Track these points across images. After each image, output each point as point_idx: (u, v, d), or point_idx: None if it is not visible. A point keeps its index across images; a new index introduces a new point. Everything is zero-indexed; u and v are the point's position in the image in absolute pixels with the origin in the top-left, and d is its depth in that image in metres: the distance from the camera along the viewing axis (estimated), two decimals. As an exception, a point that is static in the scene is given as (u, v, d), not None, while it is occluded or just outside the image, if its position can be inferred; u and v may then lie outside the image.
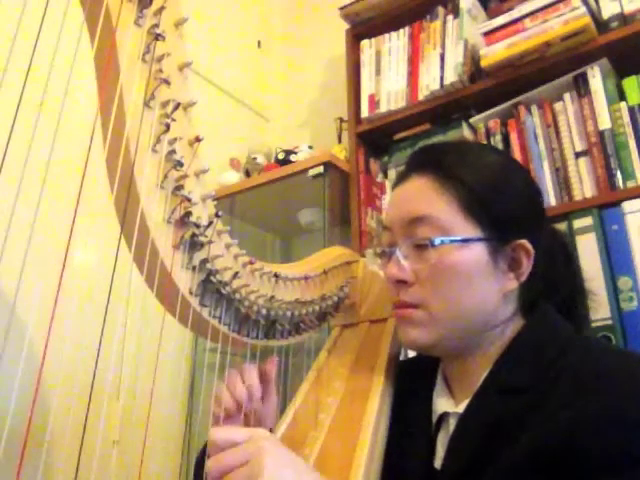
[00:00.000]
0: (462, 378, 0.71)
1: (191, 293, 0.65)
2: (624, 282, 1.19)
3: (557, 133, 1.41)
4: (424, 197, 0.69)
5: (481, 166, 0.71)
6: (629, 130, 1.31)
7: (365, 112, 1.71)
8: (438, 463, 0.67)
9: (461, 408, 0.67)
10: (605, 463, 0.52)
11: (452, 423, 0.68)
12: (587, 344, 0.65)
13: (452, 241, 0.66)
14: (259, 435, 0.54)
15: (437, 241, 0.66)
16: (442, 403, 0.71)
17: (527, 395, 0.60)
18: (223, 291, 0.68)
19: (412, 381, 0.78)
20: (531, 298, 0.70)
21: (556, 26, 1.38)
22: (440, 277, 0.67)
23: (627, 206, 1.23)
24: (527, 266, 0.68)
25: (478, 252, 0.66)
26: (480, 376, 0.67)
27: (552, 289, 0.72)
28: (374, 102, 1.71)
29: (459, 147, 0.79)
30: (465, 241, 0.66)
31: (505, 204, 0.68)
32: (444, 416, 0.70)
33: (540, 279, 0.70)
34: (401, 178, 0.75)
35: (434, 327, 0.68)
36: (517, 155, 1.44)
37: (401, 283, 0.69)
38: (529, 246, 0.68)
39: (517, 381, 0.63)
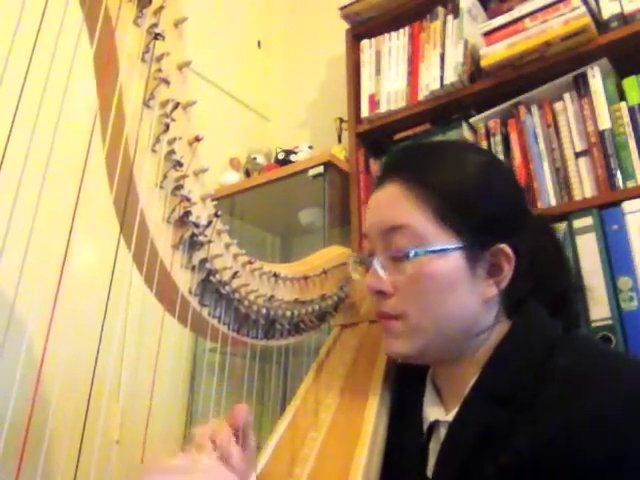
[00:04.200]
0: (450, 384, 0.70)
1: (190, 293, 0.65)
2: (624, 282, 1.19)
3: (557, 133, 1.41)
4: (398, 206, 0.68)
5: (455, 171, 0.69)
6: (629, 130, 1.31)
7: (365, 112, 1.71)
8: (430, 472, 0.66)
9: (451, 416, 0.66)
10: (594, 468, 0.52)
11: (443, 432, 0.67)
12: (575, 345, 0.64)
13: (427, 252, 0.65)
14: (200, 465, 0.53)
15: (412, 253, 0.65)
16: (432, 411, 0.70)
17: (515, 401, 0.59)
18: (222, 291, 0.68)
19: (406, 384, 0.78)
20: (516, 300, 0.69)
21: (556, 26, 1.38)
22: (417, 288, 0.66)
23: (627, 206, 1.23)
24: (508, 271, 0.67)
25: (455, 261, 0.65)
26: (468, 382, 0.66)
27: (542, 287, 0.70)
28: (374, 102, 1.71)
29: (434, 150, 0.76)
30: (441, 251, 0.65)
31: (481, 209, 0.67)
32: (435, 424, 0.69)
33: (526, 280, 0.68)
34: (378, 183, 0.73)
35: (415, 338, 0.67)
36: (517, 155, 1.44)
37: (380, 294, 0.69)
38: (509, 251, 0.66)
39: (504, 388, 0.62)
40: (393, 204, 0.69)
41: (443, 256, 0.65)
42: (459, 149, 0.79)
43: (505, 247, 0.66)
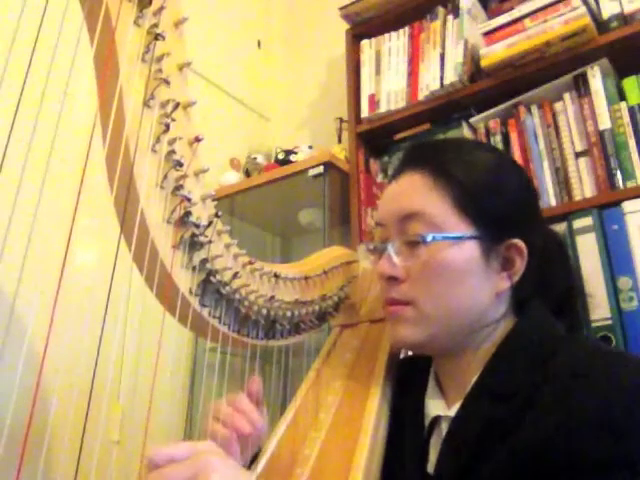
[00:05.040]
0: (453, 378, 0.70)
1: (191, 293, 0.65)
2: (624, 282, 1.19)
3: (557, 133, 1.41)
4: (417, 193, 0.68)
5: (476, 164, 0.70)
6: (629, 130, 1.31)
7: (365, 112, 1.71)
8: (431, 468, 0.66)
9: (453, 411, 0.66)
10: (594, 468, 0.52)
11: (444, 427, 0.67)
12: (577, 344, 0.64)
13: (444, 238, 0.65)
14: (205, 450, 0.51)
15: (429, 238, 0.65)
16: (434, 405, 0.70)
17: (517, 398, 0.60)
18: (223, 291, 0.68)
19: (407, 381, 0.78)
20: (523, 297, 0.70)
21: (556, 26, 1.38)
22: (431, 274, 0.66)
23: (627, 206, 1.23)
24: (520, 266, 0.68)
25: (470, 250, 0.66)
26: (471, 376, 0.66)
27: (546, 289, 0.71)
28: (374, 102, 1.71)
29: (454, 144, 0.78)
30: (457, 239, 0.65)
31: (499, 203, 0.68)
32: (436, 419, 0.69)
33: (534, 279, 0.69)
34: (395, 174, 0.74)
35: (424, 325, 0.67)
36: (517, 155, 1.44)
37: (392, 280, 0.69)
38: (522, 246, 0.67)
39: (507, 386, 0.62)
40: (412, 192, 0.69)
41: (459, 244, 0.65)
42: (478, 146, 0.82)
43: (519, 242, 0.67)
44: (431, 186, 0.68)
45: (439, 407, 0.70)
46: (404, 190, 0.71)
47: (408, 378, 0.78)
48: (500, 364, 0.65)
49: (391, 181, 0.74)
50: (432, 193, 0.67)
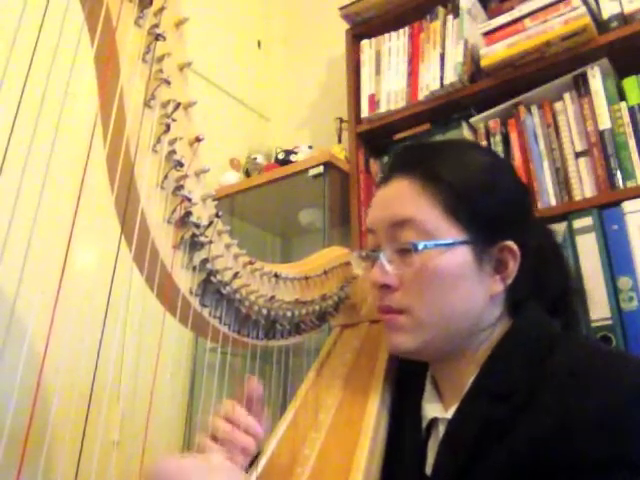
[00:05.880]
0: (450, 381, 0.70)
1: (191, 293, 0.65)
2: (624, 282, 1.19)
3: (557, 133, 1.41)
4: (407, 199, 0.68)
5: (465, 166, 0.70)
6: (629, 130, 1.31)
7: (365, 112, 1.71)
8: (429, 470, 0.66)
9: (450, 414, 0.66)
10: (593, 468, 0.52)
11: (441, 429, 0.67)
12: (574, 343, 0.64)
13: (436, 245, 0.65)
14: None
15: (420, 246, 0.65)
16: (431, 408, 0.70)
17: (514, 398, 0.60)
18: (223, 291, 0.68)
19: (405, 382, 0.78)
20: (519, 299, 0.69)
21: (556, 26, 1.38)
22: (424, 282, 0.66)
23: (627, 206, 1.23)
24: (513, 268, 0.67)
25: (463, 255, 0.65)
26: (468, 379, 0.66)
27: (542, 289, 0.71)
28: (374, 102, 1.71)
29: (443, 147, 0.78)
30: (449, 245, 0.65)
31: (490, 203, 0.67)
32: (433, 421, 0.69)
33: (529, 280, 0.69)
34: (384, 179, 0.74)
35: (419, 332, 0.67)
36: (517, 155, 1.44)
37: (385, 288, 0.68)
38: (515, 247, 0.67)
39: (504, 386, 0.62)
40: (402, 198, 0.69)
41: (451, 250, 0.65)
42: (466, 147, 0.80)
43: (511, 244, 0.67)
44: (420, 192, 0.67)
45: (436, 410, 0.70)
46: (393, 196, 0.70)
47: (406, 379, 0.78)
48: (497, 364, 0.65)
49: (380, 186, 0.74)
50: (421, 199, 0.67)
